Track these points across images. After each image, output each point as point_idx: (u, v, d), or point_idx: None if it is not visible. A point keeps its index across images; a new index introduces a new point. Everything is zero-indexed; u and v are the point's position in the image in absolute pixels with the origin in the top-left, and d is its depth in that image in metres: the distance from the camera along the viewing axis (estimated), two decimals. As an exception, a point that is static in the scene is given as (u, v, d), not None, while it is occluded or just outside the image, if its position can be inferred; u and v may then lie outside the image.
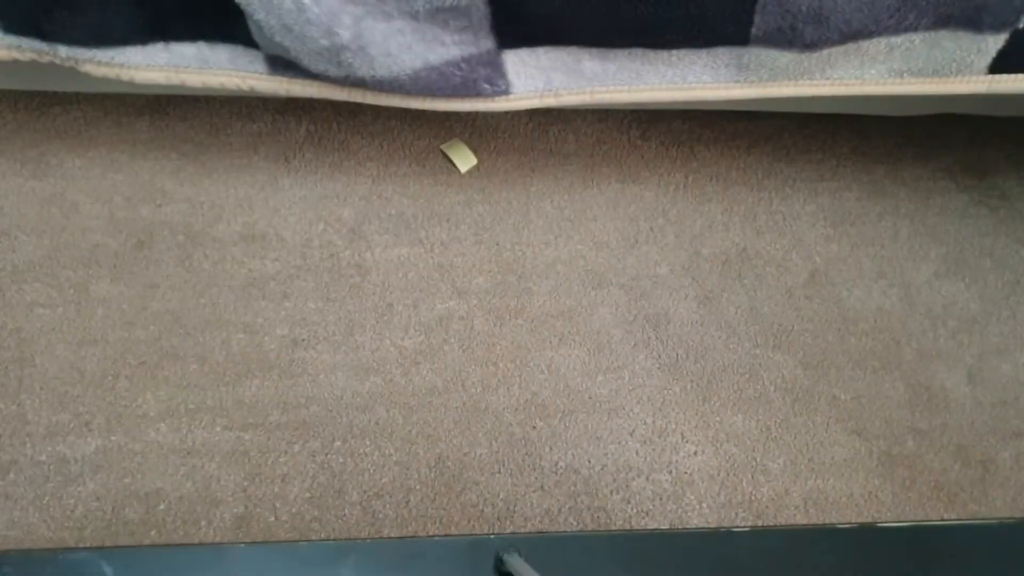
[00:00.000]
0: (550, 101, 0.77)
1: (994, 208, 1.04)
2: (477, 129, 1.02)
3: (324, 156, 0.99)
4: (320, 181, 0.98)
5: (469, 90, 0.74)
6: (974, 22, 0.69)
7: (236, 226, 0.94)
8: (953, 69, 0.73)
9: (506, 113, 1.03)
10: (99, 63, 0.72)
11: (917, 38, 0.71)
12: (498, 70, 0.73)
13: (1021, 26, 0.70)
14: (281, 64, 0.73)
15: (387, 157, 1.00)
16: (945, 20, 0.69)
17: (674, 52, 0.73)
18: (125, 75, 0.73)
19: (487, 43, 0.70)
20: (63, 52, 0.72)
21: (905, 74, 0.74)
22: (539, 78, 0.75)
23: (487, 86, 0.74)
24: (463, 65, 0.71)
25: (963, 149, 1.07)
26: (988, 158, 1.07)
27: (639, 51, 0.73)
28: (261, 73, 0.74)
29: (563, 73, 0.74)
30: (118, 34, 0.71)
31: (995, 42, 0.71)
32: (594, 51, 0.73)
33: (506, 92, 0.76)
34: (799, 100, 1.02)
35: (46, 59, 0.73)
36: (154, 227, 0.93)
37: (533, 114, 1.03)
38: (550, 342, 0.91)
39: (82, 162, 0.96)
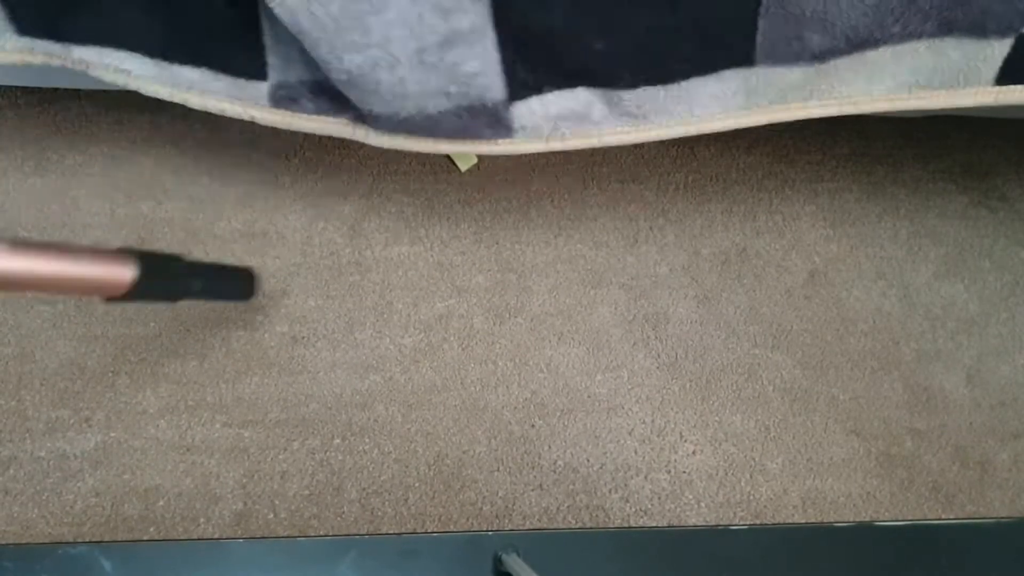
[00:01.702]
0: (556, 145, 0.75)
1: (994, 210, 1.04)
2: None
3: (324, 154, 0.99)
4: (320, 179, 0.98)
5: (470, 134, 0.73)
6: (978, 27, 0.69)
7: (236, 223, 0.94)
8: (961, 80, 0.73)
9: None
10: (109, 68, 0.73)
11: (922, 46, 0.71)
12: (503, 121, 0.72)
13: None
14: (285, 100, 0.73)
15: (387, 155, 1.00)
16: (949, 26, 0.69)
17: (682, 84, 0.71)
18: (133, 84, 0.73)
19: (496, 95, 0.69)
20: (76, 54, 0.72)
21: (913, 87, 0.73)
22: (546, 127, 0.74)
23: (489, 131, 0.73)
24: (464, 114, 0.71)
25: (963, 151, 1.07)
26: (988, 160, 1.07)
27: (646, 91, 0.71)
28: (263, 106, 0.74)
29: (571, 122, 0.73)
30: (130, 41, 0.71)
31: (1000, 49, 0.70)
32: (600, 92, 0.71)
33: (510, 137, 0.74)
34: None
35: (57, 62, 0.73)
36: (155, 224, 0.93)
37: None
38: (549, 341, 0.91)
39: (83, 159, 0.96)
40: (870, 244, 1.00)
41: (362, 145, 1.00)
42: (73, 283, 0.63)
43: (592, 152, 1.02)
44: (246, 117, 0.74)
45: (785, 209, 1.01)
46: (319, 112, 0.74)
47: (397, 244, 0.95)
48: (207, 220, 0.94)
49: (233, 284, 0.86)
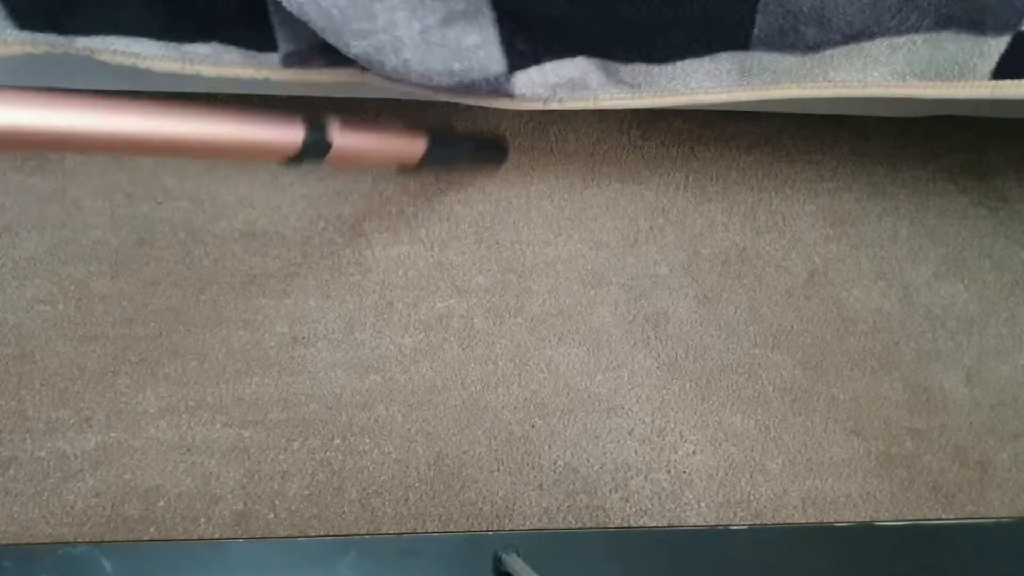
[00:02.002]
0: (553, 107, 0.78)
1: (994, 209, 1.04)
2: (478, 128, 1.02)
3: (325, 154, 0.99)
4: (321, 179, 0.98)
5: (472, 96, 0.76)
6: (976, 24, 0.69)
7: (237, 223, 0.94)
8: (956, 72, 0.73)
9: (507, 112, 1.03)
10: (116, 52, 0.73)
11: (919, 39, 0.71)
12: (503, 90, 0.74)
13: (1023, 28, 0.69)
14: (297, 63, 0.74)
15: (388, 155, 1.00)
16: (947, 21, 0.69)
17: (677, 64, 0.73)
18: (143, 64, 0.74)
19: (497, 67, 0.71)
20: (80, 43, 0.72)
21: (908, 76, 0.74)
22: (545, 93, 0.76)
23: (489, 96, 0.76)
24: (467, 88, 0.73)
25: (963, 151, 1.08)
26: (988, 160, 1.07)
27: (642, 67, 0.73)
28: (276, 68, 0.75)
29: (569, 88, 0.76)
30: (135, 29, 0.71)
31: (997, 45, 0.71)
32: (598, 62, 0.73)
33: (510, 99, 0.77)
34: (800, 101, 1.03)
35: (60, 50, 0.73)
36: (155, 224, 0.93)
37: (534, 113, 1.04)
38: (549, 341, 0.91)
39: (83, 159, 0.96)
40: (870, 244, 1.00)
41: (362, 145, 1.00)
42: (382, 155, 0.77)
43: (592, 152, 1.02)
44: (260, 78, 0.75)
45: (785, 209, 1.01)
46: (329, 66, 0.76)
47: (397, 244, 0.95)
48: (207, 220, 0.94)
49: (492, 151, 0.97)
